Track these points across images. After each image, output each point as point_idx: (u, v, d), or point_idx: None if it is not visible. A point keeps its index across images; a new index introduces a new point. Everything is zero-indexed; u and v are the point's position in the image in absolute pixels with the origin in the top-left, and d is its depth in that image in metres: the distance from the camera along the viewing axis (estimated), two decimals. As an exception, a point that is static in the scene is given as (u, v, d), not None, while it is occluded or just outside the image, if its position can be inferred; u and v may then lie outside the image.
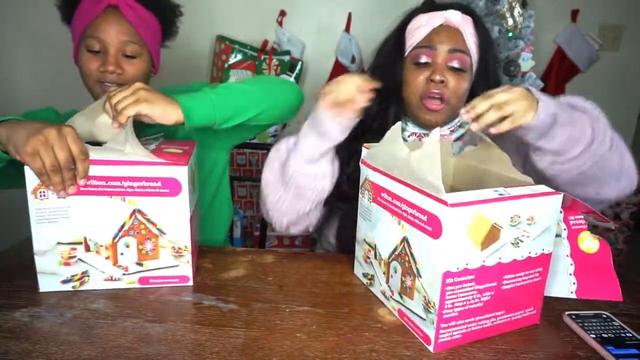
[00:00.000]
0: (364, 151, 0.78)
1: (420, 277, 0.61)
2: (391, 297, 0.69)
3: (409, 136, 1.00)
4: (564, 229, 0.67)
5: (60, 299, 0.70)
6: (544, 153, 0.74)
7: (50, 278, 0.72)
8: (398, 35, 0.97)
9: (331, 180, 0.87)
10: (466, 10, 0.94)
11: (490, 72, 0.96)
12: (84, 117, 0.78)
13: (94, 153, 0.69)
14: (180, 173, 0.72)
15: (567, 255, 0.66)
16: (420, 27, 0.93)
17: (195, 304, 0.71)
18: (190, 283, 0.77)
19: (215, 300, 0.72)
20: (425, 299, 0.60)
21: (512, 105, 0.67)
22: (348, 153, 0.93)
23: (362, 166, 0.77)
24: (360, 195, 0.78)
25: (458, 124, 1.00)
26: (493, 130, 0.68)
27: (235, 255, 0.90)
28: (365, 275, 0.78)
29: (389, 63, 0.97)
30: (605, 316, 0.67)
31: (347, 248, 0.95)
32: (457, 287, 0.58)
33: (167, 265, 0.76)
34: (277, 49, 2.15)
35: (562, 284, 0.67)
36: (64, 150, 0.65)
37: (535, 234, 0.61)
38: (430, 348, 0.60)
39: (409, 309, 0.65)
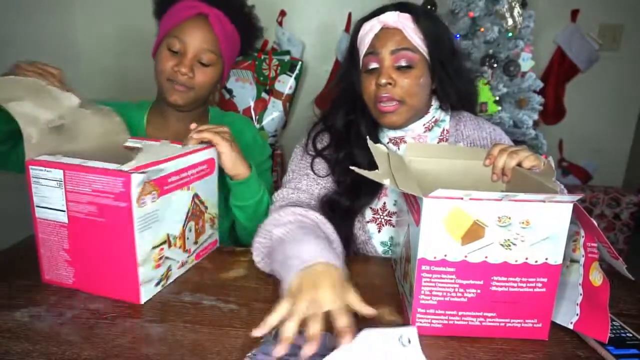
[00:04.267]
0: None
1: (409, 262, 0.64)
2: (400, 281, 0.74)
3: (387, 142, 1.01)
4: (582, 256, 0.63)
5: (60, 299, 0.70)
6: None
7: (149, 285, 0.71)
8: (351, 47, 0.99)
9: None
10: (404, 8, 0.93)
11: (446, 63, 0.95)
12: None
13: (169, 152, 0.76)
14: (214, 152, 0.86)
15: (580, 284, 0.63)
16: (365, 36, 0.94)
17: (195, 304, 0.71)
18: (217, 245, 0.91)
19: (215, 300, 0.72)
20: (410, 284, 0.64)
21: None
22: (333, 162, 0.98)
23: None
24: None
25: (433, 121, 0.99)
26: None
27: (235, 255, 0.90)
28: (394, 261, 0.84)
29: (348, 75, 1.00)
30: (605, 316, 0.67)
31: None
32: (434, 275, 0.60)
33: (208, 236, 0.87)
34: (277, 49, 2.15)
35: (567, 312, 0.64)
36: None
37: (533, 239, 0.59)
38: None
39: (405, 293, 0.68)
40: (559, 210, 0.58)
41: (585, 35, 2.17)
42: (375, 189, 0.96)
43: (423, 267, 0.60)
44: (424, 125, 0.98)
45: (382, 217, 0.97)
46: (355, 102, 0.99)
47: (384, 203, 0.97)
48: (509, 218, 0.58)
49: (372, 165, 0.95)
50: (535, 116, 1.86)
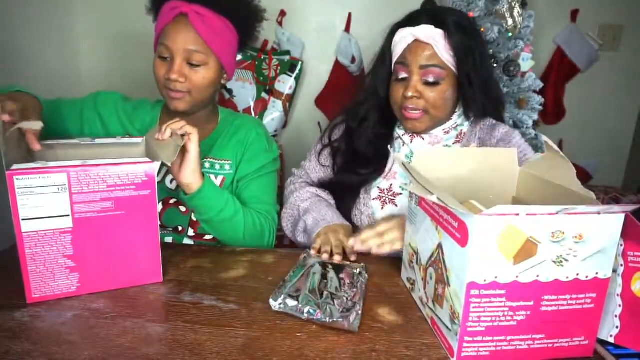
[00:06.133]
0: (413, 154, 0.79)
1: (449, 285, 0.59)
2: (426, 304, 0.68)
3: (402, 135, 1.06)
4: (621, 265, 0.59)
5: (60, 299, 0.70)
6: None
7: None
8: (384, 48, 1.03)
9: None
10: (438, 21, 0.93)
11: (473, 77, 0.97)
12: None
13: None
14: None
15: (618, 295, 0.59)
16: (398, 43, 0.98)
17: (195, 304, 0.71)
18: None
19: (215, 300, 0.72)
20: (451, 309, 0.58)
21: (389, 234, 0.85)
22: (335, 149, 1.11)
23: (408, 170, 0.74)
24: (409, 198, 0.78)
25: (453, 126, 1.04)
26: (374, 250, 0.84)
27: (235, 255, 0.90)
28: (408, 279, 0.78)
29: (376, 75, 1.06)
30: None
31: None
32: (483, 300, 0.55)
33: None
34: (277, 49, 2.15)
35: (604, 324, 0.60)
36: None
37: (586, 254, 0.56)
38: None
39: (439, 318, 0.63)
40: (611, 222, 0.55)
41: (585, 35, 2.17)
42: (378, 166, 1.06)
43: (472, 292, 0.55)
44: (444, 130, 1.04)
45: (387, 196, 1.04)
46: (376, 101, 1.06)
47: (391, 184, 1.04)
48: (563, 233, 0.54)
49: (375, 159, 1.06)
50: (535, 116, 1.86)
